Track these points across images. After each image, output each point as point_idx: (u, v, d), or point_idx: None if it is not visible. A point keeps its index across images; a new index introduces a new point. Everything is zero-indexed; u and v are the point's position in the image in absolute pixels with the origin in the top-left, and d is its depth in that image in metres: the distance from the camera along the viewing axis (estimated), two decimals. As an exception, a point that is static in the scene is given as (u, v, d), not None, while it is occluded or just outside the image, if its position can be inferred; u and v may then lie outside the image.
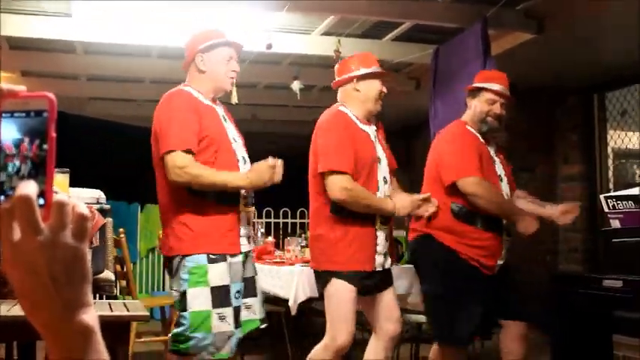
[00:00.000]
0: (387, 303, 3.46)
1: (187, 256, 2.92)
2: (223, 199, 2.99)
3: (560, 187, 6.54)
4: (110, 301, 2.96)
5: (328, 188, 3.24)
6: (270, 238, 5.65)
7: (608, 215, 3.49)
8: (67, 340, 0.69)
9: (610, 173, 6.32)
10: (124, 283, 5.16)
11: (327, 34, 5.44)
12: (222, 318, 2.89)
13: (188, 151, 2.91)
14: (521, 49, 5.18)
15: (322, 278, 3.35)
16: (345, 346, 3.30)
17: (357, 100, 3.43)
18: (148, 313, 2.68)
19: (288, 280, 4.19)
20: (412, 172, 3.85)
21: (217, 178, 2.92)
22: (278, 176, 3.02)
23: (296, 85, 5.93)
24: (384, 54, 5.84)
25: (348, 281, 3.26)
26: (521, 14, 4.92)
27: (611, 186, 6.24)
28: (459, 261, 3.48)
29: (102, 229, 3.44)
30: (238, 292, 3.02)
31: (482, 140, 3.61)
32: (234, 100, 5.63)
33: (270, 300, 3.73)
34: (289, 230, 8.66)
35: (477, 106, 3.61)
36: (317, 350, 3.35)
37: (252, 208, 3.18)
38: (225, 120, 3.15)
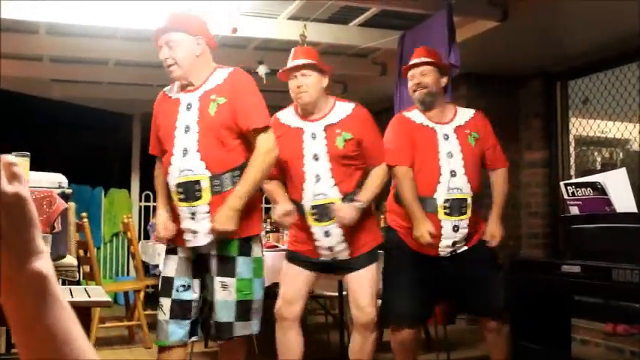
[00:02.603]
0: (351, 288, 3.56)
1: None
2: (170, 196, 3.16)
3: (523, 173, 6.63)
4: (71, 286, 2.93)
5: None
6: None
7: (568, 202, 3.55)
8: (21, 289, 0.67)
9: (572, 160, 6.42)
10: (87, 268, 5.12)
11: (293, 18, 5.41)
12: (160, 307, 3.09)
13: (155, 157, 3.25)
14: (485, 36, 5.22)
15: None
16: (277, 308, 3.53)
17: None
18: (109, 299, 2.67)
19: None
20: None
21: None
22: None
23: (262, 70, 5.91)
24: (350, 39, 5.85)
25: (295, 259, 3.56)
26: (486, 2, 4.95)
27: (572, 172, 6.34)
28: (400, 243, 3.67)
29: (64, 214, 3.40)
30: (183, 286, 3.10)
31: (424, 122, 3.67)
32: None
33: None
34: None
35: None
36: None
37: (198, 203, 3.07)
38: (188, 108, 3.11)
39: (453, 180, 3.54)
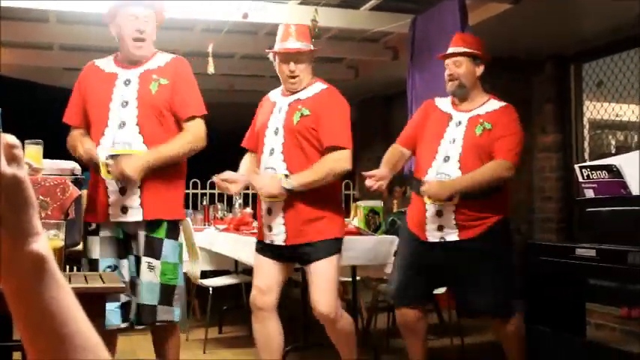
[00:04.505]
0: (308, 280, 3.47)
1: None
2: (94, 168, 3.13)
3: (536, 157, 6.58)
4: (85, 273, 2.94)
5: None
6: (249, 209, 5.65)
7: (583, 185, 3.53)
8: (19, 270, 0.67)
9: (586, 144, 6.37)
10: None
11: (304, 3, 5.38)
12: None
13: (70, 126, 3.25)
14: (498, 19, 5.17)
15: None
16: (252, 300, 3.47)
17: None
18: (123, 285, 2.67)
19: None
20: (391, 142, 3.84)
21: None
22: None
23: (271, 56, 5.88)
24: (361, 23, 5.81)
25: (257, 244, 3.54)
26: (499, -16, 4.90)
27: (586, 156, 6.29)
28: (404, 227, 3.74)
29: (77, 201, 3.40)
30: (109, 267, 3.09)
31: (444, 108, 3.66)
32: (211, 70, 5.59)
33: (250, 272, 3.75)
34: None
35: None
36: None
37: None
38: (126, 84, 3.13)
39: (444, 165, 3.48)
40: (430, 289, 3.83)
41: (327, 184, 3.33)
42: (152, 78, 3.12)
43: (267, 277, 3.44)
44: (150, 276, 3.06)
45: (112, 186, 3.06)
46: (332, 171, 3.29)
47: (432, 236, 3.53)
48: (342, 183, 4.08)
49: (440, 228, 3.50)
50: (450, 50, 3.65)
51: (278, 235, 3.36)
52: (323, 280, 3.32)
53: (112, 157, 3.01)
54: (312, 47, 3.45)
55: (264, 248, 3.47)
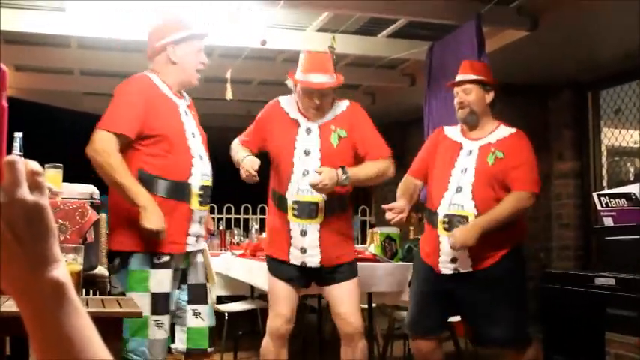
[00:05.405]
0: (334, 299, 3.46)
1: (132, 253, 2.90)
2: (173, 195, 2.95)
3: (554, 184, 6.55)
4: (103, 297, 2.95)
5: None
6: (264, 235, 5.64)
7: (601, 213, 3.51)
8: (38, 297, 0.68)
9: (604, 171, 6.33)
10: (117, 278, 5.16)
11: (321, 30, 5.43)
12: (159, 325, 2.89)
13: (118, 136, 2.86)
14: (515, 46, 5.19)
15: (267, 263, 3.56)
16: (275, 328, 3.41)
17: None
18: (141, 310, 2.67)
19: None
20: (407, 167, 3.83)
21: (123, 180, 2.82)
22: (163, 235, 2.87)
23: (291, 82, 5.92)
24: (378, 50, 5.85)
25: (275, 265, 3.44)
26: (515, 11, 4.92)
27: (604, 184, 6.25)
28: (419, 257, 3.66)
29: (95, 225, 3.42)
30: (178, 298, 3.05)
31: (454, 137, 3.62)
32: (229, 96, 5.64)
33: (266, 297, 3.74)
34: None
35: None
36: (264, 339, 3.51)
37: (207, 208, 3.12)
38: (186, 114, 3.09)
39: (457, 196, 3.43)
40: (445, 318, 3.77)
41: (349, 206, 3.50)
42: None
43: (291, 304, 3.44)
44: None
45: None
46: (380, 172, 3.41)
47: (446, 268, 3.47)
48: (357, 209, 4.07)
49: (453, 260, 3.46)
50: (460, 78, 3.62)
51: (313, 257, 3.38)
52: (355, 297, 3.43)
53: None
54: (337, 80, 3.43)
55: (287, 271, 3.44)
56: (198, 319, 3.09)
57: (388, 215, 3.51)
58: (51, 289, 0.68)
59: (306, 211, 3.32)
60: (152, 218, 2.80)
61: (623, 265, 3.26)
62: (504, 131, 3.54)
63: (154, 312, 2.88)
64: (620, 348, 5.29)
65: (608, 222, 3.45)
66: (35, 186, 0.68)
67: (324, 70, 3.38)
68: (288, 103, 3.53)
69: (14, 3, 4.91)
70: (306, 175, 3.31)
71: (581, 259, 6.27)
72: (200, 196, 3.01)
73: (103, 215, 3.97)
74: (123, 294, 2.88)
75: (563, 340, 3.57)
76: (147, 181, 2.89)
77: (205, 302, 3.12)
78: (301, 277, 3.44)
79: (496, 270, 3.42)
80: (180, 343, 3.09)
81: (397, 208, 3.54)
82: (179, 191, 2.95)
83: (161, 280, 2.91)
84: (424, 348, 3.62)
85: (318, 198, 3.31)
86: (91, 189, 3.66)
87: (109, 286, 4.85)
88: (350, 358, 3.45)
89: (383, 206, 3.62)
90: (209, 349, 3.14)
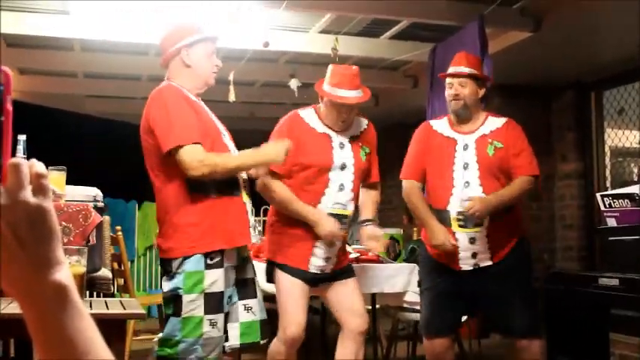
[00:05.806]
0: (347, 295, 3.47)
1: (187, 258, 2.87)
2: (225, 191, 2.94)
3: (557, 185, 6.55)
4: (106, 299, 2.95)
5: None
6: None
7: (605, 213, 3.50)
8: (41, 299, 0.68)
9: (607, 171, 6.32)
10: (121, 281, 5.15)
11: (324, 32, 5.44)
12: (213, 324, 2.89)
13: (197, 144, 2.85)
14: (518, 47, 5.19)
15: (269, 268, 3.50)
16: (294, 337, 3.36)
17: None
18: (144, 312, 2.67)
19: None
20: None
21: (232, 162, 2.95)
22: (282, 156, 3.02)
23: (294, 83, 5.93)
24: (381, 52, 5.85)
25: (289, 273, 3.39)
26: (518, 13, 4.92)
27: (608, 184, 6.24)
28: (427, 255, 3.63)
29: (99, 227, 3.43)
30: (230, 297, 3.03)
31: (445, 132, 3.61)
32: (232, 98, 5.65)
33: (270, 299, 3.72)
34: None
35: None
36: (273, 343, 3.44)
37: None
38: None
39: (466, 191, 3.43)
40: (459, 318, 3.78)
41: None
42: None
43: (304, 312, 3.44)
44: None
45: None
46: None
47: (466, 264, 3.48)
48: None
49: (474, 255, 3.47)
50: (454, 69, 3.60)
51: (332, 265, 3.46)
52: (360, 293, 3.52)
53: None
54: (365, 95, 3.44)
55: (303, 279, 3.42)
56: (250, 313, 3.10)
57: (444, 247, 3.48)
58: (53, 291, 0.69)
59: (340, 223, 3.39)
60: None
61: (626, 266, 3.26)
62: (496, 121, 3.59)
63: (208, 312, 2.88)
64: (624, 349, 5.28)
65: (612, 222, 3.45)
66: (39, 188, 0.68)
67: (355, 86, 3.39)
68: (309, 117, 3.50)
69: (17, 6, 4.92)
70: (342, 190, 3.41)
71: (584, 259, 6.26)
72: (244, 187, 3.06)
73: (107, 217, 3.98)
74: (176, 297, 2.87)
75: (567, 341, 3.56)
76: (198, 182, 2.88)
77: (255, 296, 3.13)
78: (313, 282, 3.46)
79: (510, 260, 3.48)
80: (233, 340, 3.08)
81: (442, 238, 3.50)
82: (232, 184, 2.98)
83: (215, 279, 2.91)
84: (438, 347, 3.61)
85: (349, 212, 3.45)
86: (95, 191, 3.67)
87: (112, 288, 4.86)
88: (352, 355, 3.46)
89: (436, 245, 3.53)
90: (262, 342, 3.17)
